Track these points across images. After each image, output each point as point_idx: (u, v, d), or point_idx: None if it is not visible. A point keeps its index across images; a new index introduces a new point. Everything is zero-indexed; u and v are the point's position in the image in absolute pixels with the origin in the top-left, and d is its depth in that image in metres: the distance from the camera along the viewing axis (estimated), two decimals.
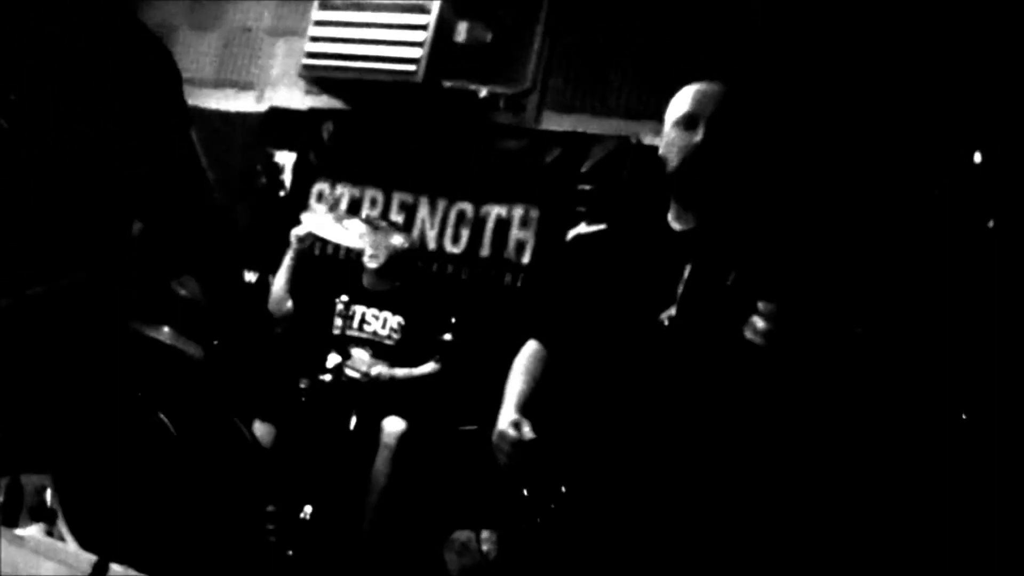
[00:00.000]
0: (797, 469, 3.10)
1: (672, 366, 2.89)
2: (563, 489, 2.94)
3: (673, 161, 3.03)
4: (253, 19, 7.43)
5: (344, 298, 5.73)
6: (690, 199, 3.07)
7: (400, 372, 5.62)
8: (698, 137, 2.97)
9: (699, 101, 3.03)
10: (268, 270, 6.03)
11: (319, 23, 6.44)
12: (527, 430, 3.03)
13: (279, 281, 5.90)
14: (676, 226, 3.11)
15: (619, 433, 2.95)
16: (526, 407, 3.16)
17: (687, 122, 3.01)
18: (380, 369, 5.55)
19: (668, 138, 3.06)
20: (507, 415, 3.15)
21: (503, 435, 3.08)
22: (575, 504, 2.95)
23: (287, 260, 5.87)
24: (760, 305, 2.70)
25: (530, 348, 3.36)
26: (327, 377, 5.45)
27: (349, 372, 5.49)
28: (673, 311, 2.91)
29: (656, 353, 2.91)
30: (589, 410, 3.06)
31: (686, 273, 2.93)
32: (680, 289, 2.93)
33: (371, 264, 5.86)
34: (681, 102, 3.05)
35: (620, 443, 2.94)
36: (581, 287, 3.28)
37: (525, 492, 3.03)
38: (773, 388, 2.84)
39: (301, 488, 5.29)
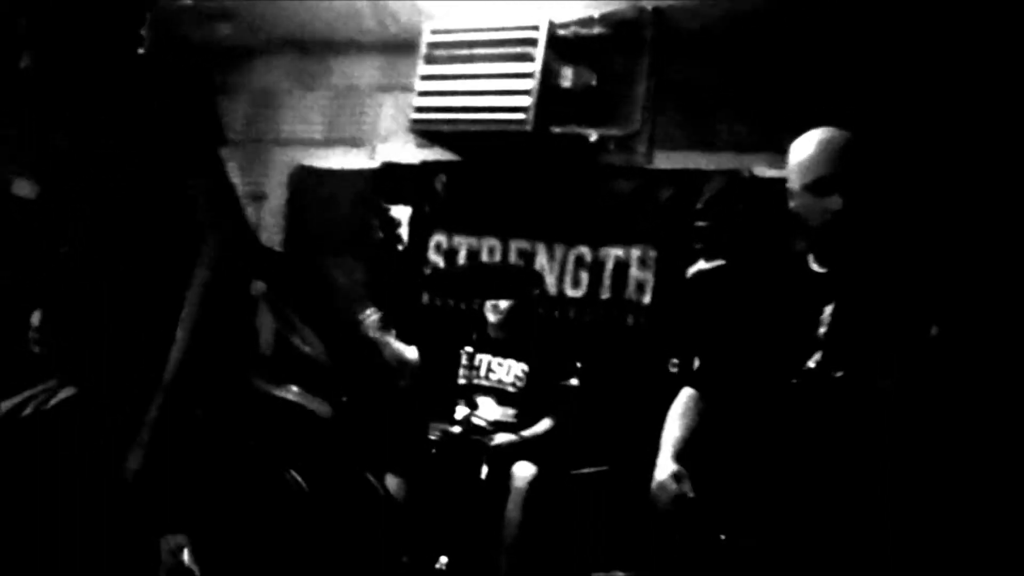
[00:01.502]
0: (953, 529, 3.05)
1: (823, 414, 2.88)
2: (721, 537, 2.95)
3: (812, 223, 3.03)
4: (359, 76, 7.52)
5: (469, 348, 5.75)
6: (833, 256, 3.06)
7: (518, 436, 5.61)
8: (835, 205, 2.96)
9: (830, 160, 3.00)
10: (389, 324, 6.05)
11: (425, 77, 6.46)
12: (687, 485, 3.07)
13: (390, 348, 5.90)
14: (816, 268, 3.11)
15: (774, 484, 2.94)
16: (683, 455, 3.18)
17: (820, 187, 2.99)
18: (502, 438, 5.56)
19: (802, 201, 3.03)
20: (666, 466, 3.17)
21: (664, 487, 3.11)
22: (732, 551, 2.94)
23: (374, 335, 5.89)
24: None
25: (686, 394, 3.36)
26: (456, 428, 5.47)
27: (476, 421, 5.50)
28: (819, 356, 2.91)
29: (807, 402, 2.91)
30: (743, 460, 3.05)
31: (827, 314, 2.94)
32: (822, 331, 2.93)
33: (492, 315, 5.89)
34: (810, 160, 3.03)
35: (775, 494, 2.92)
36: (715, 325, 3.29)
37: (677, 538, 3.04)
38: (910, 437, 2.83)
39: (435, 538, 5.30)
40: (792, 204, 3.07)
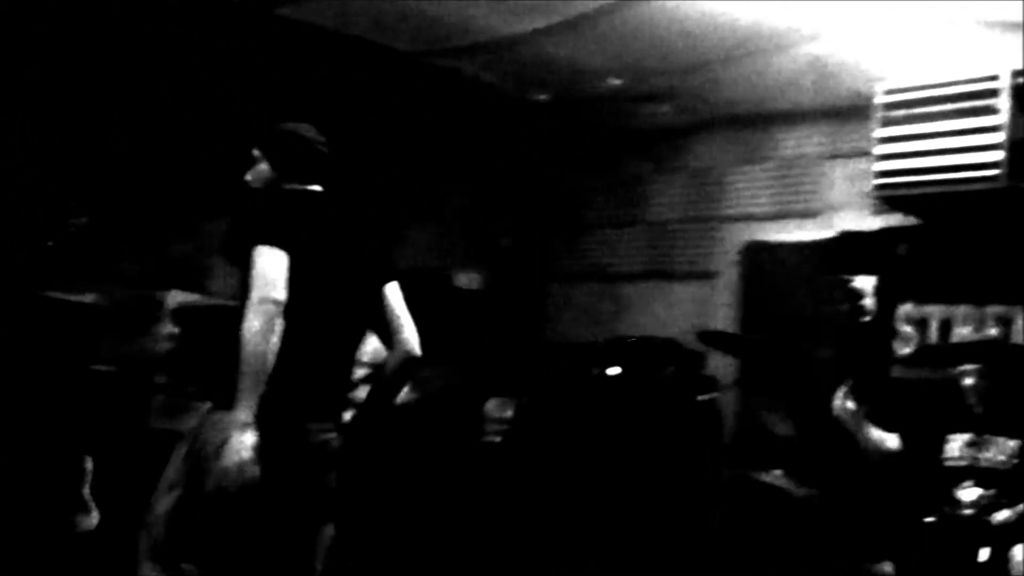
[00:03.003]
0: None
1: None
2: None
3: None
4: (803, 145, 7.37)
5: (955, 429, 5.43)
6: None
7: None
8: None
9: None
10: (862, 404, 5.77)
11: (883, 140, 6.25)
12: None
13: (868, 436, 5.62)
14: None
15: None
16: None
17: None
18: (1003, 515, 5.18)
19: None
20: None
21: None
22: None
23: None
24: None
25: None
26: (950, 510, 5.16)
27: (970, 503, 5.18)
28: None
29: None
30: None
31: None
32: None
33: (974, 389, 5.52)
34: None
35: None
36: None
37: None
38: None
39: None
40: None
